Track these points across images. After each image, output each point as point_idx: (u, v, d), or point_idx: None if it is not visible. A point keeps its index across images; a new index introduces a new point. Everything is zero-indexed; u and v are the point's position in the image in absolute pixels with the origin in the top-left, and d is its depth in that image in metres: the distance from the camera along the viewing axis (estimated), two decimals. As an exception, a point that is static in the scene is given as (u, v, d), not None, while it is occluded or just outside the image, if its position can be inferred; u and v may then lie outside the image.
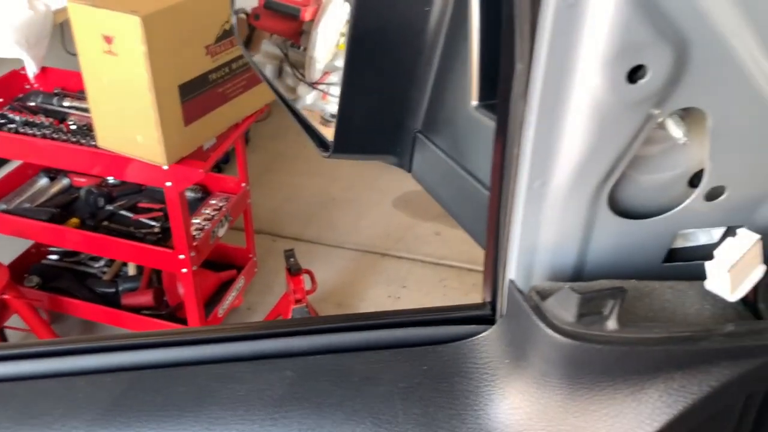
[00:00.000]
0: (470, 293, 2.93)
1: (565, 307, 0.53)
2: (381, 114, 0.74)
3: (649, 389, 0.55)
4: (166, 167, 2.24)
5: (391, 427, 0.60)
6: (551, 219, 0.56)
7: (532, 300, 0.56)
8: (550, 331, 0.53)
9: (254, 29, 1.09)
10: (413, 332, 0.66)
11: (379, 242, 3.25)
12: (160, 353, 0.63)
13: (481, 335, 0.63)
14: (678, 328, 0.52)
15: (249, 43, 1.11)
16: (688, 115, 0.51)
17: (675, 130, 0.49)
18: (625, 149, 0.51)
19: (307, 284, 2.67)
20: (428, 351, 0.64)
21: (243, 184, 2.63)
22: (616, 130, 0.49)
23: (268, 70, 1.03)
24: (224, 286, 2.71)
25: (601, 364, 0.54)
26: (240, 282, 2.70)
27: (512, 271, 0.59)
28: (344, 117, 0.73)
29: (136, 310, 2.62)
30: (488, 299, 0.65)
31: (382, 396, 0.61)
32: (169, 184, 2.26)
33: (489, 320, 0.64)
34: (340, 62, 0.80)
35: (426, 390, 0.61)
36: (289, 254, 2.55)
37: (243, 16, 1.08)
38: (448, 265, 3.11)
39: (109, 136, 2.22)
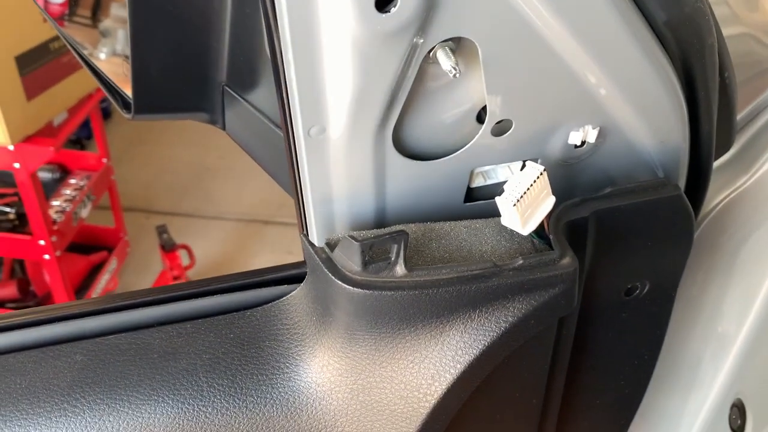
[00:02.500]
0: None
1: (349, 256, 0.50)
2: (179, 67, 0.68)
3: (450, 331, 0.54)
4: (11, 147, 2.10)
5: (195, 402, 0.57)
6: (338, 167, 0.53)
7: (324, 253, 0.53)
8: (341, 283, 0.51)
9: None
10: (225, 299, 0.63)
11: (260, 210, 3.17)
12: None
13: (289, 295, 0.60)
14: (467, 267, 0.51)
15: (98, 8, 1.02)
16: (461, 47, 0.49)
17: (445, 62, 0.47)
18: (397, 84, 0.48)
19: (185, 260, 2.57)
20: (236, 318, 0.60)
21: (104, 160, 2.47)
22: (380, 65, 0.46)
23: (120, 36, 0.95)
24: (97, 270, 2.57)
25: (398, 310, 0.52)
26: (112, 263, 2.56)
27: (312, 223, 0.56)
28: (139, 73, 0.67)
29: (0, 304, 2.45)
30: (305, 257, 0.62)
31: (184, 370, 0.57)
32: (17, 165, 2.13)
33: (304, 278, 0.61)
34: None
35: (233, 359, 0.58)
36: (162, 230, 2.44)
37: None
38: (333, 226, 3.10)
39: (-62, 118, 2.03)
